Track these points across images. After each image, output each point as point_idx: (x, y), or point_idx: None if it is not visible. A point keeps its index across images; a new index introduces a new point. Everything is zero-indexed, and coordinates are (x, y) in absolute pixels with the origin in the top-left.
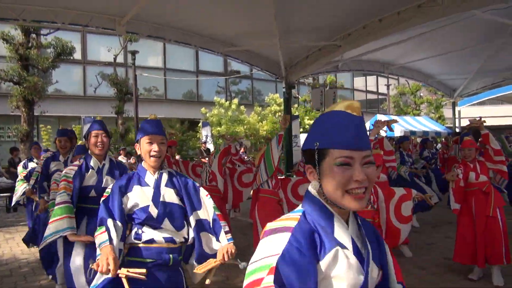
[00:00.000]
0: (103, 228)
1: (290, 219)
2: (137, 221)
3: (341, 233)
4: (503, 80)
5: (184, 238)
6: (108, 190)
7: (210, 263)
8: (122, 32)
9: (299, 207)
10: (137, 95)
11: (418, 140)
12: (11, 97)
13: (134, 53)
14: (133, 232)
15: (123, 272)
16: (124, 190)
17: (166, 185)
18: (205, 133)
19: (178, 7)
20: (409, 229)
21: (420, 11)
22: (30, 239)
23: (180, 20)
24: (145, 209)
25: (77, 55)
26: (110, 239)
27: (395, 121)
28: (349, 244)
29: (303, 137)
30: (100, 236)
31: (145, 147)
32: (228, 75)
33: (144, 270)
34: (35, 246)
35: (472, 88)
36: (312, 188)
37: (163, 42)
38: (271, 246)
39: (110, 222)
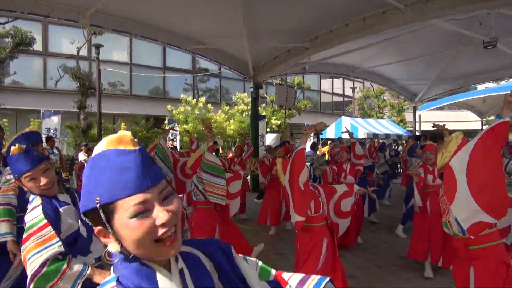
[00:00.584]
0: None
1: None
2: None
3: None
4: (460, 87)
5: None
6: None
7: None
8: (86, 25)
9: (111, 275)
10: (101, 90)
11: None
12: None
13: (98, 46)
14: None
15: None
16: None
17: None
18: (171, 130)
19: (146, 2)
20: (347, 223)
21: (384, 18)
22: None
23: (148, 15)
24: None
25: (38, 46)
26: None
27: (324, 125)
28: None
29: (269, 137)
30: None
31: (29, 185)
32: (196, 73)
33: None
34: None
35: (432, 93)
36: (116, 251)
37: (129, 36)
38: None
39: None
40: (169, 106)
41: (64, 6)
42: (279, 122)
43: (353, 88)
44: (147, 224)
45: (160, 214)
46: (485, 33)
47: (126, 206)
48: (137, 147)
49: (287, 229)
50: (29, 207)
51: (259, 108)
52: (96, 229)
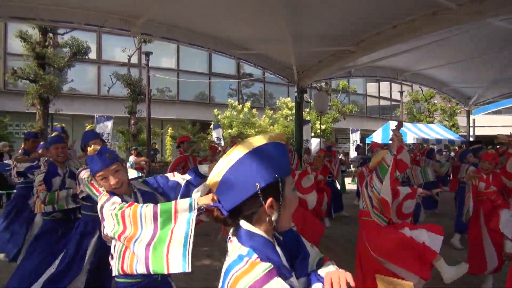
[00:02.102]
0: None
1: (257, 263)
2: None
3: (283, 257)
4: None
5: None
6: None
7: None
8: (136, 34)
9: (240, 250)
10: (150, 96)
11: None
12: (27, 95)
13: (147, 54)
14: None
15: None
16: None
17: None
18: (216, 135)
19: (191, 10)
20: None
21: (435, 18)
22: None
23: (194, 23)
24: None
25: (93, 55)
26: None
27: (401, 125)
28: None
29: (314, 141)
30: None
31: (102, 183)
32: (240, 78)
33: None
34: None
35: (487, 96)
36: (252, 225)
37: (176, 44)
38: None
39: None
40: (215, 111)
41: (116, 16)
42: (323, 126)
43: (401, 92)
44: (296, 197)
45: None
46: None
47: (289, 182)
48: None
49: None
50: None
51: (303, 112)
52: (268, 201)
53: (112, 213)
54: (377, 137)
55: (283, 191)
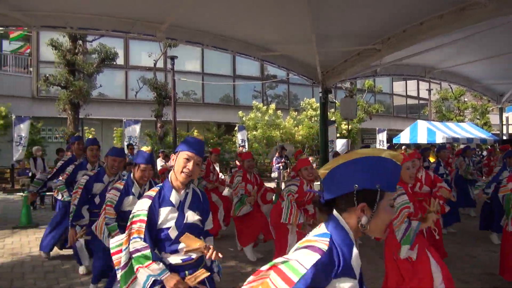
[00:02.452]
0: (150, 260)
1: (322, 242)
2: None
3: (355, 262)
4: None
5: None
6: (140, 213)
7: (202, 273)
8: (161, 39)
9: (324, 230)
10: (176, 99)
11: (462, 147)
12: (58, 101)
13: (173, 58)
14: None
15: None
16: (152, 214)
17: (190, 207)
18: (240, 137)
19: (215, 14)
20: None
21: (464, 14)
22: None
23: (217, 26)
24: (165, 230)
25: (120, 60)
26: (166, 268)
27: None
28: (357, 271)
29: (339, 142)
30: (153, 266)
31: (181, 162)
32: (264, 80)
33: (204, 270)
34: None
35: None
36: (342, 219)
37: (200, 47)
38: (303, 259)
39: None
40: (240, 112)
41: (142, 22)
42: (350, 127)
43: (429, 90)
44: (392, 214)
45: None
46: None
47: (390, 197)
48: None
49: None
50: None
51: (328, 113)
52: (361, 204)
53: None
54: (404, 137)
55: (379, 201)
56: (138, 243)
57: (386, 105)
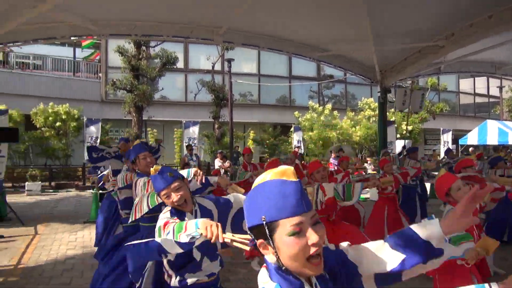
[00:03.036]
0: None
1: None
2: (177, 267)
3: None
4: None
5: (220, 262)
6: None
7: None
8: (219, 42)
9: (268, 285)
10: (232, 101)
11: None
12: (124, 104)
13: (229, 61)
14: (176, 280)
15: (228, 236)
16: None
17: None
18: (296, 137)
19: (270, 16)
20: None
21: None
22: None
23: (272, 28)
24: (189, 253)
25: (180, 64)
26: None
27: None
28: None
29: (398, 143)
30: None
31: (167, 200)
32: (321, 80)
33: (248, 236)
34: None
35: None
36: (272, 262)
37: (256, 49)
38: None
39: None
40: (296, 113)
41: (201, 27)
42: (410, 127)
43: (501, 87)
44: (302, 243)
45: (312, 236)
46: None
47: (286, 226)
48: (297, 179)
49: None
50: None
51: (388, 113)
52: (258, 241)
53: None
54: (472, 138)
55: (272, 235)
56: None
57: (451, 104)
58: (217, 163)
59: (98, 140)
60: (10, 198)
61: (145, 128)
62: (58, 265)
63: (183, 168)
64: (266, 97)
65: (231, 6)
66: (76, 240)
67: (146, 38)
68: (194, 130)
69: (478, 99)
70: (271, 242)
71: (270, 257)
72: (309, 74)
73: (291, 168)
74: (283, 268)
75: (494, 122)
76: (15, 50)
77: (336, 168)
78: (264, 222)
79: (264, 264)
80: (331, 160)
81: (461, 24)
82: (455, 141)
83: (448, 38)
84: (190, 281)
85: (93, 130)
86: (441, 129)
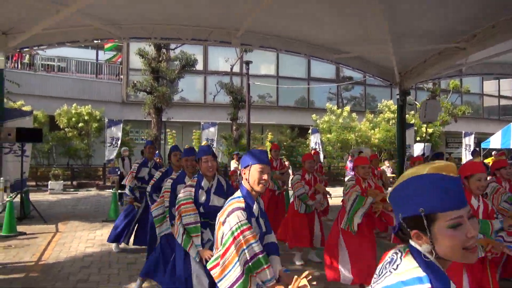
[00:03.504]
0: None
1: None
2: None
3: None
4: None
5: None
6: (243, 222)
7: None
8: (237, 45)
9: (415, 273)
10: (250, 103)
11: None
12: (144, 105)
13: (247, 63)
14: None
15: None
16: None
17: (261, 215)
18: (314, 140)
19: (286, 18)
20: None
21: None
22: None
23: (290, 30)
24: None
25: (199, 66)
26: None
27: None
28: None
29: (417, 147)
30: (265, 272)
31: (256, 174)
32: (340, 82)
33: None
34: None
35: None
36: (425, 251)
37: (274, 52)
38: None
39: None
40: (313, 115)
41: (219, 30)
42: (431, 130)
43: None
44: (461, 236)
45: (471, 229)
46: None
47: (446, 218)
48: (458, 175)
49: None
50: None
51: (407, 115)
52: (413, 232)
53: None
54: (495, 141)
55: (430, 226)
56: (256, 247)
57: (474, 106)
58: (233, 164)
59: (119, 141)
60: (33, 197)
61: (164, 129)
62: (76, 262)
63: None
64: (284, 99)
65: (248, 9)
66: (94, 238)
67: (165, 41)
68: (212, 132)
69: (503, 101)
70: (428, 232)
71: (425, 247)
72: (328, 76)
73: (453, 164)
74: (436, 256)
75: None
76: (40, 52)
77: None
78: (423, 214)
79: (403, 250)
80: (347, 164)
81: (483, 25)
82: (477, 144)
83: (470, 39)
84: None
85: (114, 131)
86: (463, 132)
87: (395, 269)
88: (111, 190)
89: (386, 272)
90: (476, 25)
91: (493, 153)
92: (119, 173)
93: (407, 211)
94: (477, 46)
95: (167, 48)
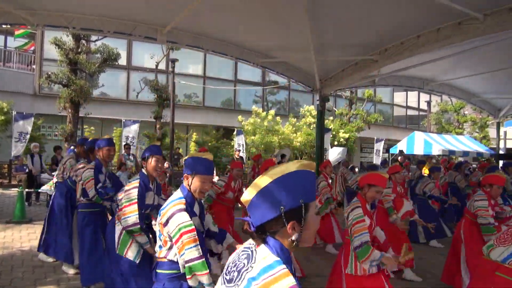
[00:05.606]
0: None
1: (286, 277)
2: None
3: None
4: None
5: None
6: (186, 224)
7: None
8: (163, 42)
9: (274, 258)
10: (175, 101)
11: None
12: (59, 99)
13: (174, 61)
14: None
15: None
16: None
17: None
18: (238, 141)
19: (216, 19)
20: None
21: (460, 28)
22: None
23: (218, 32)
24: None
25: (123, 61)
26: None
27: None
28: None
29: (334, 151)
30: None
31: (198, 184)
32: (266, 85)
33: None
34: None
35: None
36: (279, 241)
37: (202, 51)
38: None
39: None
40: (239, 117)
41: (144, 25)
42: (347, 135)
43: (429, 102)
44: (318, 220)
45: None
46: None
47: (313, 206)
48: (314, 171)
49: None
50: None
51: (326, 120)
52: (290, 223)
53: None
54: (401, 147)
55: (305, 215)
56: (196, 251)
57: (386, 115)
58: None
59: (28, 136)
60: None
61: (81, 125)
62: None
63: (119, 167)
64: (211, 99)
65: (177, 6)
66: None
67: (85, 32)
68: (133, 129)
69: (410, 112)
70: (303, 221)
71: (295, 236)
72: (255, 79)
73: (313, 163)
74: (293, 244)
75: (421, 134)
76: None
77: None
78: (302, 204)
79: (256, 244)
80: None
81: (393, 41)
82: (387, 150)
83: (382, 53)
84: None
85: (23, 125)
86: (375, 138)
87: (254, 262)
88: (17, 189)
89: (247, 268)
90: (388, 41)
91: (399, 158)
92: (27, 170)
93: (289, 204)
94: (387, 60)
95: (87, 39)
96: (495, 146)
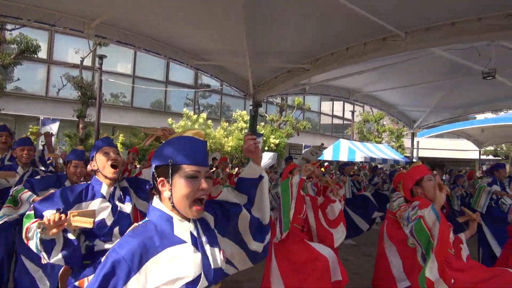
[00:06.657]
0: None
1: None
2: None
3: (181, 230)
4: (459, 116)
5: None
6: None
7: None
8: (90, 36)
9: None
10: (101, 100)
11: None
12: None
13: (101, 57)
14: (84, 245)
15: (74, 212)
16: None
17: (119, 200)
18: None
19: (149, 16)
20: (342, 233)
21: (385, 44)
22: None
23: (151, 29)
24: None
25: (43, 54)
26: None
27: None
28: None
29: (265, 155)
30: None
31: (102, 158)
32: (198, 88)
33: (91, 220)
34: None
35: (430, 120)
36: (157, 200)
37: (132, 49)
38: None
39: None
40: (169, 120)
41: (70, 16)
42: (277, 141)
43: (353, 112)
44: (195, 185)
45: (203, 183)
46: (484, 64)
47: (187, 169)
48: (205, 141)
49: None
50: None
51: (258, 126)
52: (159, 179)
53: None
54: (328, 154)
55: (172, 175)
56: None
57: (314, 122)
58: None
59: None
60: None
61: None
62: None
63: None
64: (140, 100)
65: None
66: None
67: (0, 18)
68: (53, 128)
69: (336, 120)
70: (170, 180)
71: (166, 193)
72: (186, 81)
73: (202, 132)
74: (173, 205)
75: (345, 142)
76: None
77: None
78: (171, 163)
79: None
80: None
81: (324, 51)
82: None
83: (313, 63)
84: (97, 248)
85: None
86: (303, 144)
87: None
88: None
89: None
90: (319, 51)
91: (325, 164)
92: None
93: (159, 161)
94: (318, 69)
95: (2, 28)
96: (409, 154)
